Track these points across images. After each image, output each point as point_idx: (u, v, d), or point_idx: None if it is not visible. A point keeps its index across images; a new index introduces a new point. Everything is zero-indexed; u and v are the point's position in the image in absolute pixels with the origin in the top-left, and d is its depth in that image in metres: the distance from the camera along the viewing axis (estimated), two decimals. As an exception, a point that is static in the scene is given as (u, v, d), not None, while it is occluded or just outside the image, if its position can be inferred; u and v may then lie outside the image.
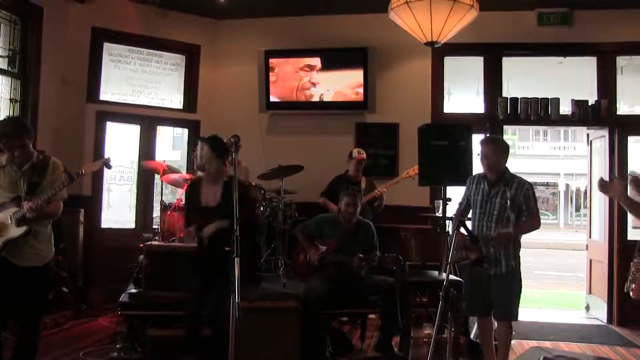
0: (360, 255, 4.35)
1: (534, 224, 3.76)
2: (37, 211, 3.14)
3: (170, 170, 5.24)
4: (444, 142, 4.78)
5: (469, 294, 3.92)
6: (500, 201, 3.71)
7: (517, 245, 3.77)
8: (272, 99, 6.52)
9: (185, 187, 4.41)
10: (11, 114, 5.29)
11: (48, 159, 3.35)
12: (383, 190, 5.51)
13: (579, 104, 5.98)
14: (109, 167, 3.45)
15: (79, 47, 6.07)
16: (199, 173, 3.96)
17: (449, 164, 4.67)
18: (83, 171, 3.29)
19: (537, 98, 6.03)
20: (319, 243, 4.58)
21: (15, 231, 3.17)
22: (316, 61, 6.39)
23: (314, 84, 6.43)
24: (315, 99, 6.44)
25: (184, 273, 4.02)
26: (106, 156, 3.48)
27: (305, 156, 5.96)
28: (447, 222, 4.82)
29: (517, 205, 3.69)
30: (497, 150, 3.80)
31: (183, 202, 4.73)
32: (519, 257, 3.79)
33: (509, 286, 3.73)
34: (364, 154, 5.68)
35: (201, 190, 3.84)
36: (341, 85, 6.38)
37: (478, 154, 3.92)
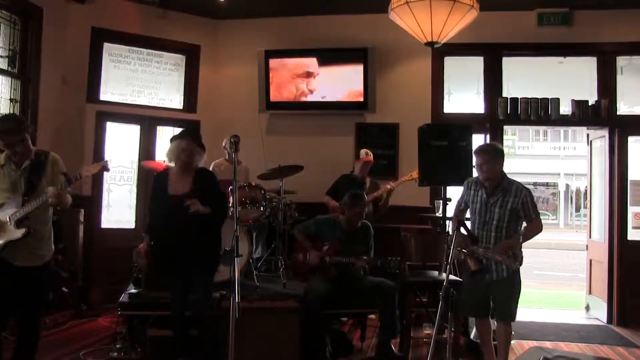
0: (365, 257, 4.37)
1: (536, 229, 3.74)
2: (59, 196, 3.13)
3: (170, 170, 5.23)
4: (444, 142, 4.78)
5: (468, 296, 3.91)
6: (500, 211, 3.71)
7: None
8: (272, 99, 6.52)
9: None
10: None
11: (47, 155, 3.35)
12: (392, 186, 5.48)
13: (579, 104, 5.98)
14: (107, 170, 3.39)
15: (79, 47, 6.07)
16: (171, 164, 3.92)
17: (449, 164, 4.67)
18: (81, 175, 3.25)
19: (537, 98, 6.03)
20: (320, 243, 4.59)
21: (15, 233, 3.16)
22: (314, 68, 6.37)
23: (311, 91, 6.42)
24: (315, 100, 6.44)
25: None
26: (105, 159, 3.45)
27: (305, 156, 5.97)
28: (447, 222, 4.82)
29: (517, 214, 3.71)
30: (491, 159, 3.76)
31: None
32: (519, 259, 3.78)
33: (510, 288, 3.75)
34: (371, 156, 5.69)
35: (169, 180, 3.80)
36: (339, 87, 6.36)
37: (474, 166, 3.91)
